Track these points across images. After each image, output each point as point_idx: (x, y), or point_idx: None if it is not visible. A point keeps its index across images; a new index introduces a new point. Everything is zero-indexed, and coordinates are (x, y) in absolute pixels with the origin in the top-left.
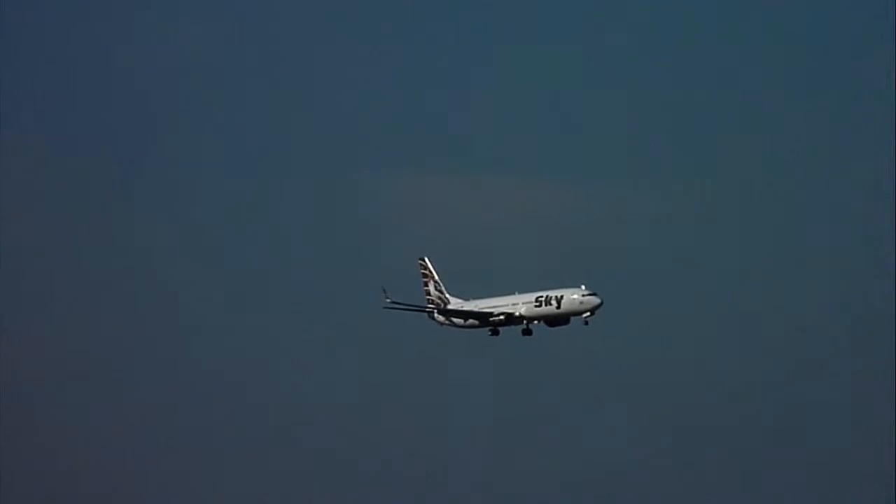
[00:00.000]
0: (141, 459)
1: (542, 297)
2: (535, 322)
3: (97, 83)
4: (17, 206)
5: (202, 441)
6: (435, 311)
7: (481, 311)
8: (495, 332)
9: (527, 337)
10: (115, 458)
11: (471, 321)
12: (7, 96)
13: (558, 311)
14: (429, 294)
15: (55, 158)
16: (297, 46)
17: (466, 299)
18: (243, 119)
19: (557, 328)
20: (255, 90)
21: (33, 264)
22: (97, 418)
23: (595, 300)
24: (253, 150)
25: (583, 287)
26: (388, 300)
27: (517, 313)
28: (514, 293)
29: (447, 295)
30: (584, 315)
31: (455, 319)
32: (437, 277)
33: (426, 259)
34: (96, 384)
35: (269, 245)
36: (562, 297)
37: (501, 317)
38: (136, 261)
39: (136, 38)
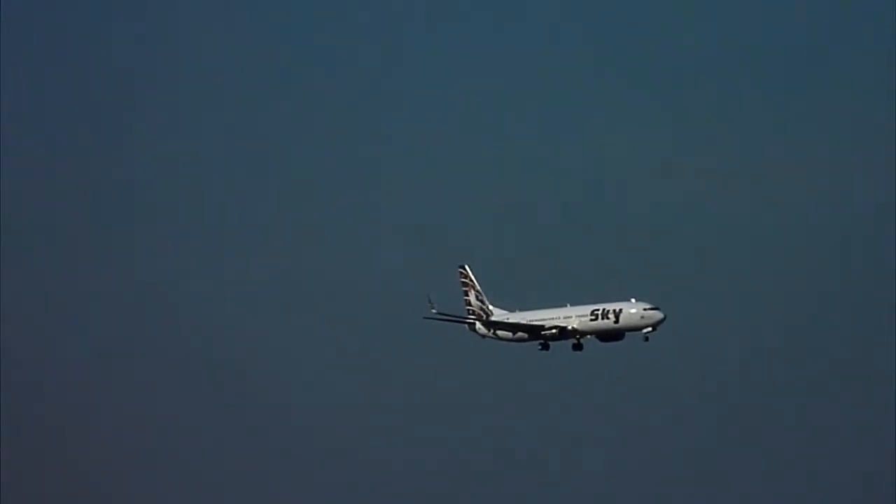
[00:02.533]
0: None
1: (597, 310)
2: (588, 336)
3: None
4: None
5: (226, 460)
6: (477, 322)
7: (532, 324)
8: (545, 347)
9: (577, 352)
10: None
11: (519, 334)
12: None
13: (616, 325)
14: (469, 304)
15: (55, 158)
16: None
17: (511, 310)
18: None
19: (611, 343)
20: None
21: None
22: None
23: (658, 315)
24: None
25: (632, 300)
26: (434, 310)
27: (570, 327)
28: (565, 305)
29: (489, 305)
30: (645, 331)
31: (501, 332)
32: (478, 287)
33: (466, 267)
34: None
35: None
36: (620, 310)
37: (554, 330)
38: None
39: None
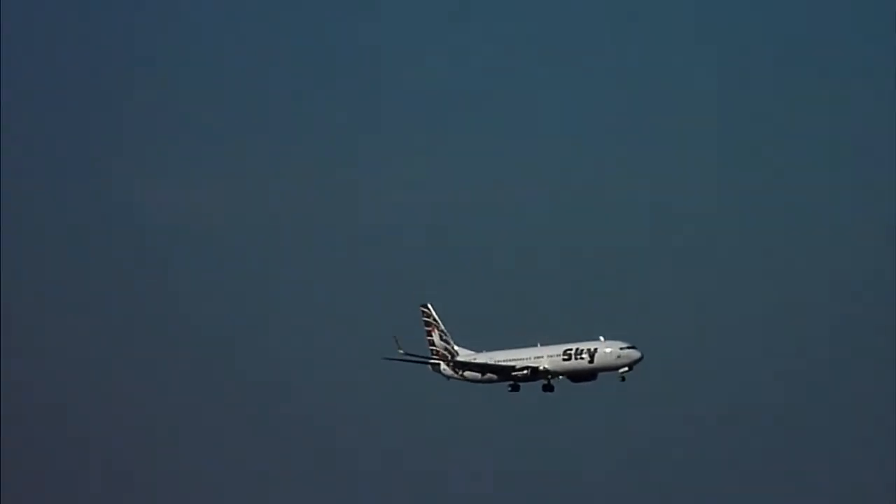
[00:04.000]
0: None
1: (570, 349)
2: (560, 377)
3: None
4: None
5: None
6: (442, 363)
7: (502, 364)
8: (515, 388)
9: (548, 393)
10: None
11: (488, 375)
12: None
13: (591, 365)
14: (433, 344)
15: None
16: None
17: (477, 350)
18: None
19: (583, 384)
20: None
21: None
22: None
23: (635, 354)
24: None
25: (601, 338)
26: (400, 351)
27: (542, 367)
28: (535, 345)
29: (454, 345)
30: (622, 370)
31: (469, 373)
32: (442, 326)
33: (429, 306)
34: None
35: None
36: (595, 350)
37: (526, 371)
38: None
39: None
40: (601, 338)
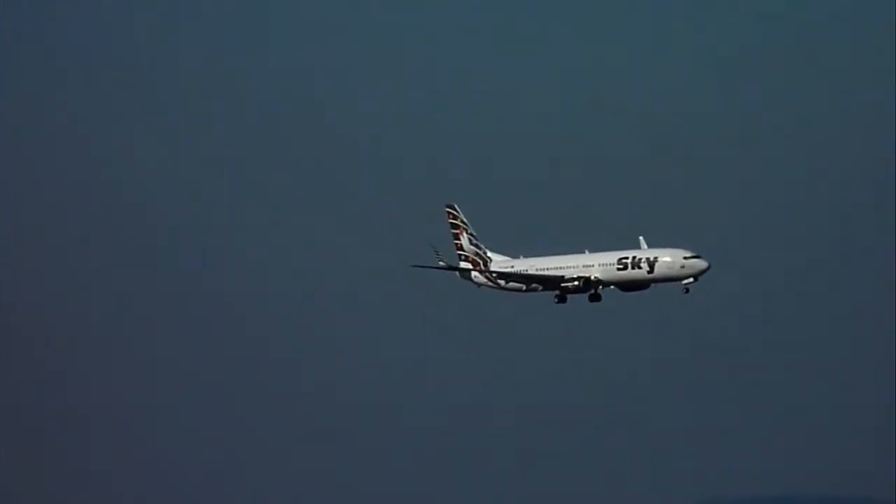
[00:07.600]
0: None
1: (626, 257)
2: (611, 287)
3: None
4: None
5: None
6: (474, 270)
7: (550, 275)
8: (562, 300)
9: (595, 303)
10: None
11: (533, 285)
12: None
13: (651, 276)
14: (461, 248)
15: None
16: None
17: (513, 256)
18: None
19: (633, 293)
20: None
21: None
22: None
23: (701, 264)
24: None
25: (641, 238)
26: (441, 263)
27: (593, 277)
28: (583, 251)
29: (487, 251)
30: (686, 282)
31: (510, 283)
32: (471, 229)
33: (455, 206)
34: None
35: None
36: (655, 259)
37: (577, 282)
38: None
39: None
40: (641, 238)
